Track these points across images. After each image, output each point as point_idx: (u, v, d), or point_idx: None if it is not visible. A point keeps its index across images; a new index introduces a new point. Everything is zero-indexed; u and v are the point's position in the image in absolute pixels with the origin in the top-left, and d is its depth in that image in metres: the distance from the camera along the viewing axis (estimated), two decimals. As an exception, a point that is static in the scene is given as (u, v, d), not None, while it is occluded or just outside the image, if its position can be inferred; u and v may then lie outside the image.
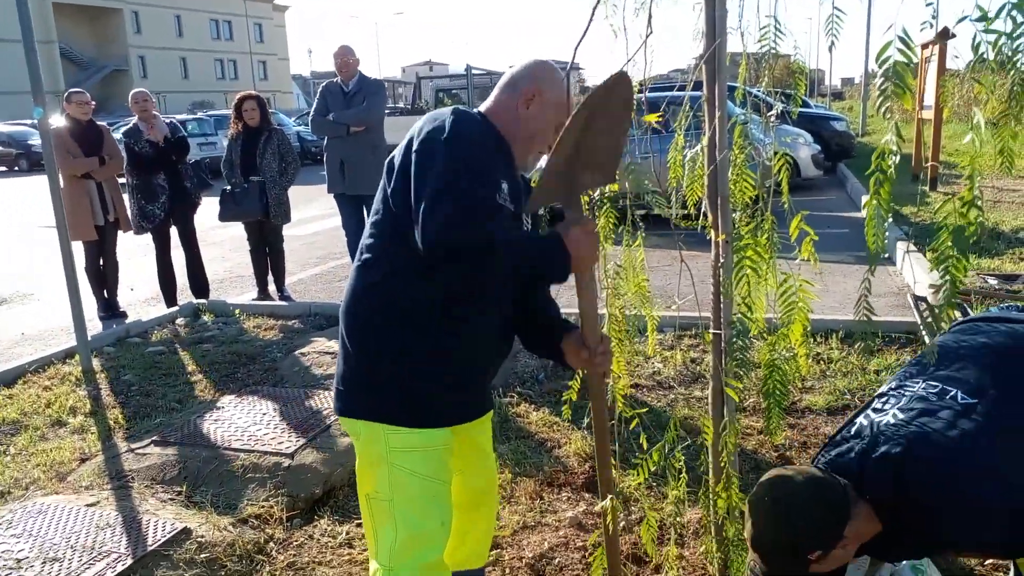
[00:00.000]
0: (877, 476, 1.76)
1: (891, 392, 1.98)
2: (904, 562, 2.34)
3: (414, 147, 1.81)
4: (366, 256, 1.97)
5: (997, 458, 1.75)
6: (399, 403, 1.94)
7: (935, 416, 1.80)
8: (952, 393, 1.86)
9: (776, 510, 1.76)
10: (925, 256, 5.96)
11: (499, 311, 2.02)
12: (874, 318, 1.75)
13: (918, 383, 1.93)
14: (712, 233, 2.03)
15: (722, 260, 2.00)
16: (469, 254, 1.69)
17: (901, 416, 1.85)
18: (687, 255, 2.12)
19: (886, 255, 7.52)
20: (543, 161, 1.89)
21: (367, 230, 2.00)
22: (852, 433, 1.92)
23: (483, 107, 1.99)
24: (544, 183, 1.79)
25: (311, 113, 6.75)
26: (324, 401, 4.26)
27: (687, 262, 2.07)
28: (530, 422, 4.17)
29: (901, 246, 7.03)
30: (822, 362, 4.76)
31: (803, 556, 1.75)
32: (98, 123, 6.72)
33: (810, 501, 1.75)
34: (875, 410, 1.94)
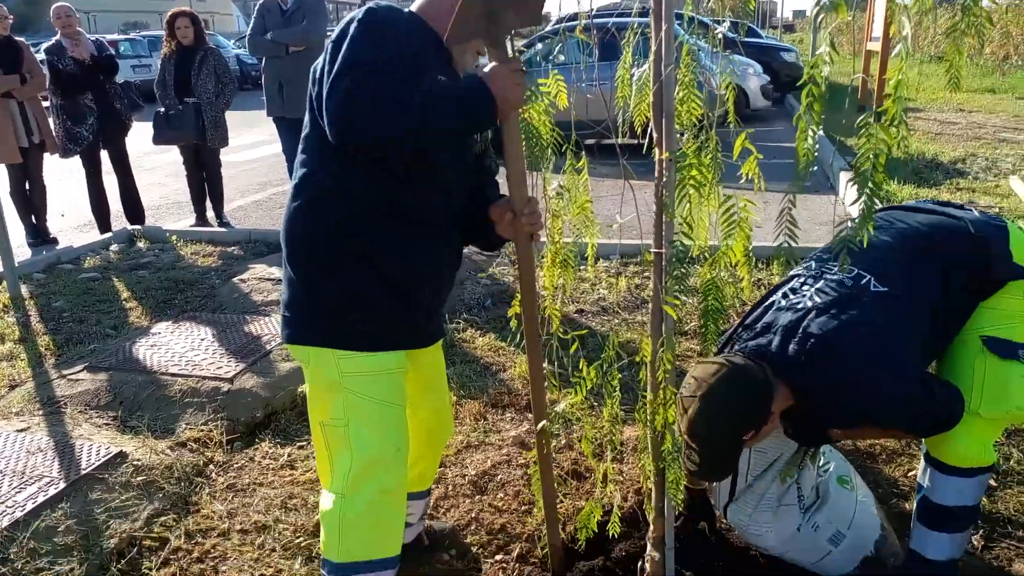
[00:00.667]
0: (794, 359, 1.88)
1: (808, 275, 2.08)
2: (831, 471, 2.43)
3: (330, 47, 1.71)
4: (301, 173, 1.88)
5: (901, 345, 1.89)
6: (348, 328, 1.87)
7: (849, 302, 1.91)
8: (866, 280, 1.95)
9: (709, 403, 1.85)
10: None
11: (444, 225, 1.95)
12: (812, 244, 1.78)
13: (835, 267, 2.02)
14: (656, 151, 2.00)
15: (665, 178, 1.97)
16: (377, 125, 1.58)
17: (818, 300, 1.96)
18: (635, 184, 2.09)
19: (830, 184, 7.63)
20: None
21: (300, 146, 1.91)
22: (769, 317, 2.03)
23: (413, 6, 1.90)
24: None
25: (248, 32, 6.44)
26: (264, 327, 4.19)
27: (635, 191, 2.04)
28: (476, 347, 4.17)
29: (844, 176, 7.13)
30: (763, 287, 4.84)
31: (738, 439, 1.88)
32: (16, 39, 6.30)
33: (739, 390, 1.86)
34: (792, 291, 2.03)
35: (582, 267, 5.16)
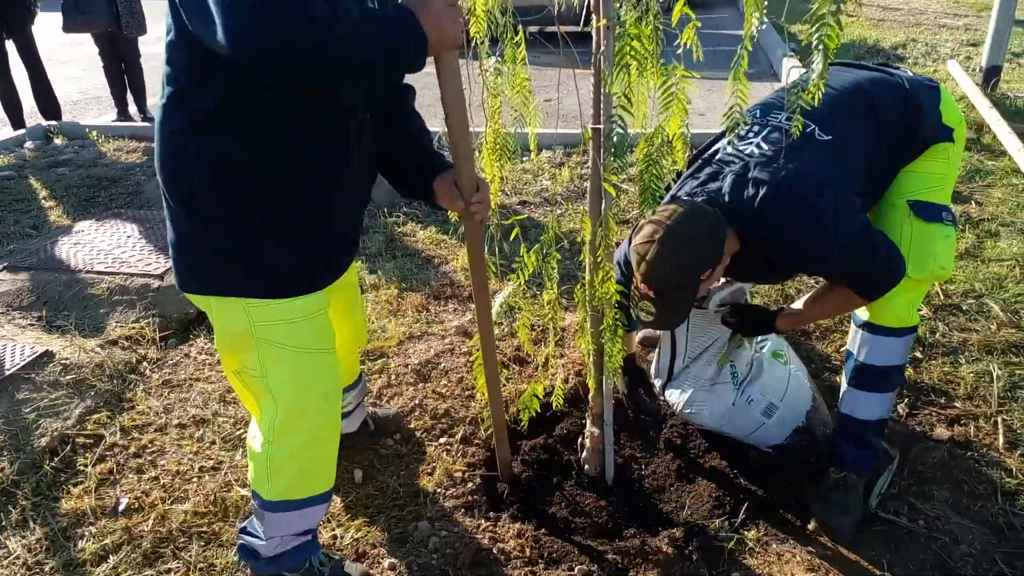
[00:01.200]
0: (745, 205, 1.89)
1: (754, 122, 2.06)
2: (766, 347, 2.48)
3: None
4: (171, 91, 1.54)
5: (847, 192, 1.93)
6: (253, 274, 1.65)
7: (796, 151, 1.91)
8: (811, 129, 1.95)
9: (668, 242, 1.83)
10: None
11: (354, 148, 1.69)
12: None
13: (780, 115, 2.02)
14: (594, 18, 1.91)
15: (603, 48, 1.89)
16: (291, 55, 1.31)
17: (765, 147, 1.95)
18: (578, 73, 1.99)
19: (773, 72, 7.57)
20: None
21: (164, 55, 1.54)
22: (715, 166, 2.01)
23: None
24: None
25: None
26: (196, 222, 4.03)
27: (577, 80, 1.94)
28: (417, 240, 4.10)
29: (788, 62, 7.07)
30: (704, 175, 4.84)
31: (696, 278, 1.88)
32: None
33: (696, 226, 1.85)
34: (740, 138, 2.02)
35: (525, 158, 5.07)
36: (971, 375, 2.75)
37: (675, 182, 2.14)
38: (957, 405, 2.63)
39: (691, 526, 2.12)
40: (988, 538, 2.12)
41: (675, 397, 2.50)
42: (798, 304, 2.30)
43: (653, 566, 2.02)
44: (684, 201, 1.94)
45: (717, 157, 2.05)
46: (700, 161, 2.12)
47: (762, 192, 1.88)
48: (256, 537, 1.91)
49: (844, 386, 2.24)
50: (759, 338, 2.47)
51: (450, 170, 1.79)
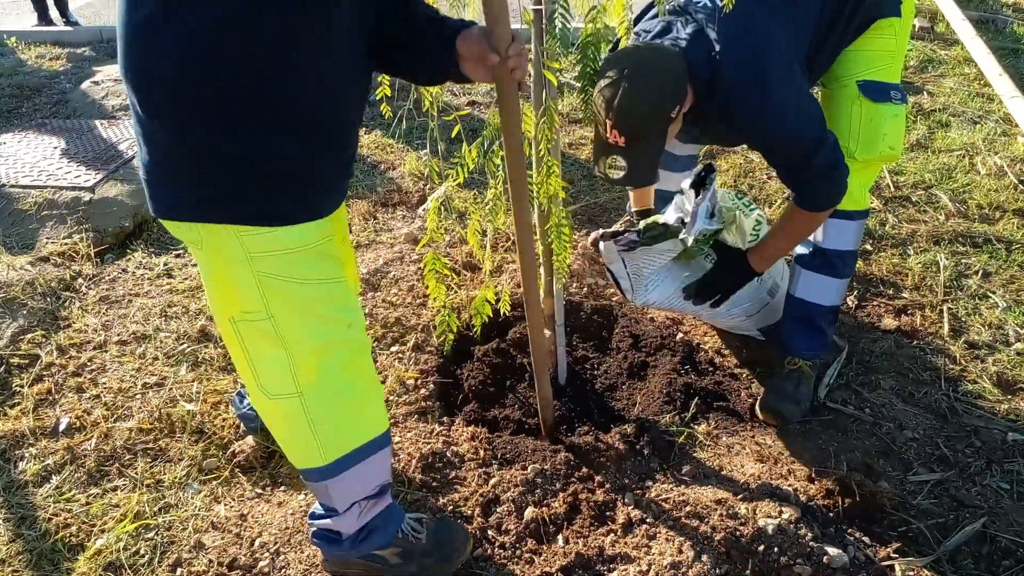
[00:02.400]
0: (697, 57, 1.84)
1: None
2: (762, 232, 2.44)
3: None
4: None
5: (788, 60, 1.87)
6: (248, 197, 1.36)
7: (753, 7, 1.83)
8: None
9: (635, 78, 1.76)
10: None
11: (351, 47, 1.41)
12: None
13: None
14: None
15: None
16: None
17: (719, 3, 1.84)
18: None
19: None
20: None
21: None
22: (664, 22, 1.93)
23: None
24: None
25: None
26: (125, 131, 3.81)
27: None
28: (361, 145, 3.95)
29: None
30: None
31: (667, 116, 1.83)
32: None
33: (662, 60, 1.81)
34: None
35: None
36: (919, 266, 2.78)
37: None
38: (905, 296, 2.66)
39: (642, 422, 2.13)
40: (931, 423, 2.17)
41: (665, 298, 2.41)
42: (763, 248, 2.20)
43: (606, 462, 2.04)
44: (646, 42, 1.87)
45: (668, 12, 1.96)
46: (651, 17, 2.02)
47: (715, 47, 1.82)
48: (329, 516, 1.69)
49: (797, 269, 2.23)
50: (756, 223, 2.37)
51: (472, 26, 1.49)
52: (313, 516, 1.76)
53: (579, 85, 1.91)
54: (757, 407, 2.22)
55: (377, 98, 2.00)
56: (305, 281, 1.45)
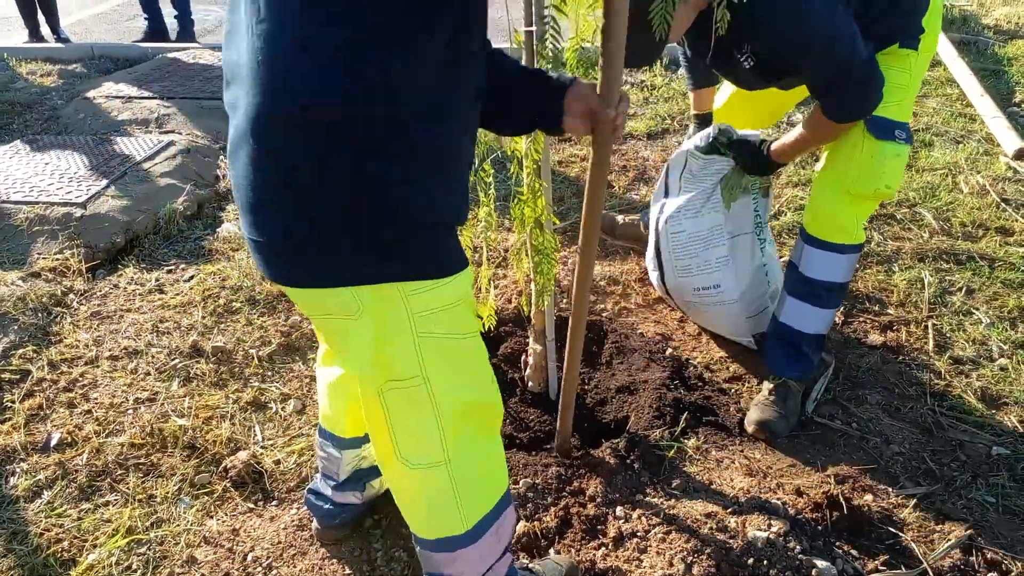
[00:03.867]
0: None
1: None
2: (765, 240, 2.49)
3: None
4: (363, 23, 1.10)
5: None
6: (425, 248, 1.26)
7: None
8: None
9: None
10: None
11: (475, 86, 1.30)
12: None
13: None
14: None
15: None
16: None
17: None
18: None
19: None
20: None
21: None
22: None
23: None
24: None
25: None
26: (117, 147, 3.83)
27: None
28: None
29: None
30: (645, 89, 4.78)
31: None
32: None
33: None
34: None
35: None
36: (904, 282, 2.82)
37: None
38: (890, 312, 2.70)
39: (632, 437, 2.15)
40: (917, 437, 2.20)
41: (689, 276, 2.50)
42: (786, 137, 2.24)
43: (596, 476, 2.05)
44: None
45: None
46: None
47: None
48: None
49: (783, 294, 2.27)
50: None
51: (576, 81, 1.44)
52: None
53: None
54: (746, 422, 2.24)
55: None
56: (463, 336, 1.38)
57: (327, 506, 1.89)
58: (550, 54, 1.73)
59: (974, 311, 2.67)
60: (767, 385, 2.29)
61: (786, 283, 2.26)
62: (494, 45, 1.42)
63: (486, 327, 2.34)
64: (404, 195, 1.18)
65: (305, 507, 1.98)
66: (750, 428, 2.22)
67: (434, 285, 1.28)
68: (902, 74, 2.03)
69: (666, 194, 2.56)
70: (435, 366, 1.34)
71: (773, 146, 2.26)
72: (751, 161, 2.35)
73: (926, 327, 2.61)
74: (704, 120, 2.71)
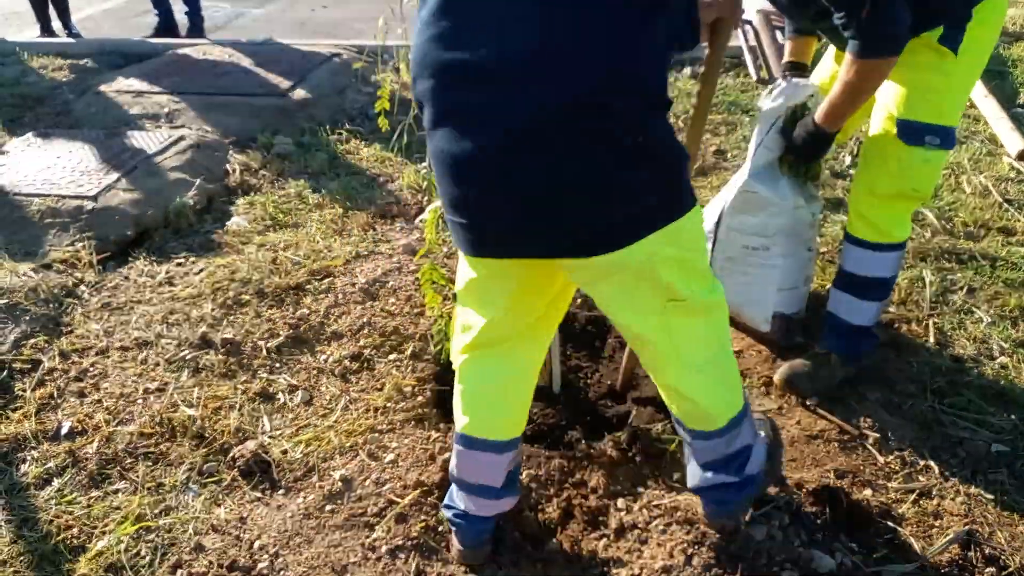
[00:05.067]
0: None
1: None
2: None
3: None
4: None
5: None
6: (688, 181, 1.56)
7: None
8: None
9: None
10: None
11: None
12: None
13: None
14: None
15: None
16: None
17: None
18: None
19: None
20: None
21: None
22: None
23: None
24: None
25: None
26: (128, 142, 3.87)
27: None
28: (361, 158, 4.01)
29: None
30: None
31: None
32: None
33: None
34: None
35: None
36: (905, 281, 2.84)
37: None
38: (891, 310, 2.71)
39: (634, 430, 2.18)
40: (917, 434, 2.22)
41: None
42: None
43: (599, 468, 2.08)
44: None
45: None
46: None
47: None
48: (756, 460, 1.78)
49: (831, 287, 2.36)
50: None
51: None
52: (722, 486, 1.76)
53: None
54: (775, 377, 2.35)
55: (376, 112, 2.05)
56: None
57: (479, 525, 1.82)
58: None
59: (975, 310, 2.69)
60: (814, 349, 2.39)
61: (837, 280, 2.34)
62: None
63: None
64: (678, 152, 1.46)
65: (308, 503, 2.01)
66: (776, 382, 2.33)
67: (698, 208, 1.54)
68: (937, 77, 1.97)
69: (757, 147, 2.45)
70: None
71: (816, 114, 2.13)
72: (804, 138, 2.20)
73: (927, 325, 2.63)
74: (797, 68, 2.49)
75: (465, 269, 1.64)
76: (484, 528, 1.82)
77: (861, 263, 2.24)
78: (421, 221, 3.10)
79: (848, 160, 3.74)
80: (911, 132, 2.01)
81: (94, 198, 3.28)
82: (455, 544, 1.85)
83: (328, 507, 2.02)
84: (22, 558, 1.91)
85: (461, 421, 1.76)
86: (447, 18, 1.34)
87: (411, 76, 1.46)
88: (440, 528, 1.95)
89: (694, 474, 1.81)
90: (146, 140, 3.87)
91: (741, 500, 1.80)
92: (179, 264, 3.07)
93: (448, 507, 1.85)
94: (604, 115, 1.33)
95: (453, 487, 1.84)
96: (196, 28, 6.26)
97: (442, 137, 1.40)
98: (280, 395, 2.41)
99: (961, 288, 2.80)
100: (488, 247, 1.50)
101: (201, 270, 3.00)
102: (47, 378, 2.46)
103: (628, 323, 1.62)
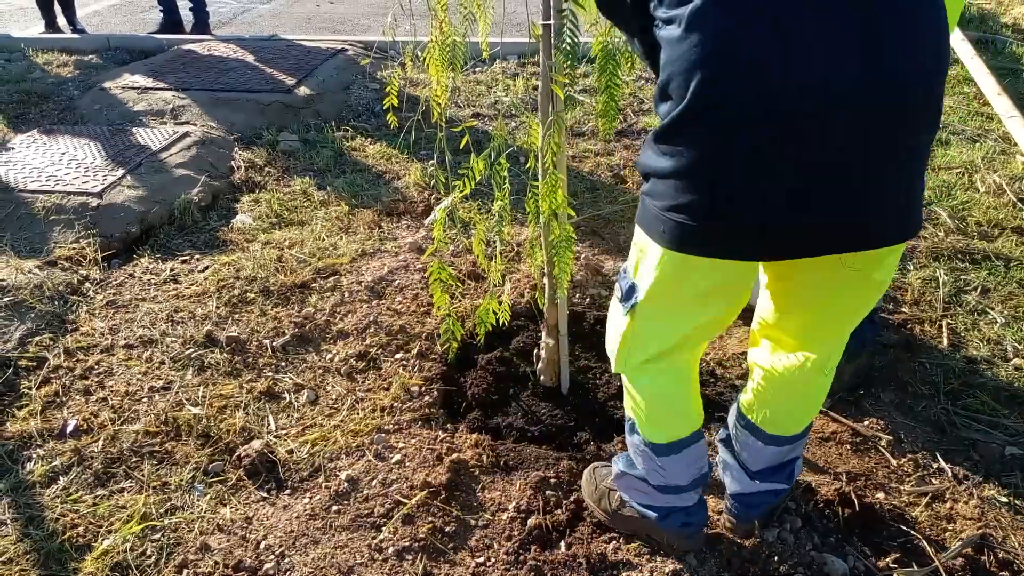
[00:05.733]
0: None
1: None
2: None
3: None
4: None
5: None
6: None
7: None
8: None
9: None
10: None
11: None
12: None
13: None
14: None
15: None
16: None
17: None
18: None
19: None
20: None
21: None
22: None
23: None
24: None
25: None
26: (133, 138, 3.85)
27: None
28: (367, 155, 3.99)
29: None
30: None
31: None
32: None
33: None
34: None
35: (478, 68, 4.92)
36: (918, 281, 2.81)
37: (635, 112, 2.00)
38: (904, 310, 2.69)
39: (645, 432, 2.15)
40: (930, 436, 2.19)
41: None
42: None
43: (608, 471, 2.06)
44: None
45: None
46: None
47: None
48: (799, 468, 1.86)
49: None
50: None
51: None
52: (769, 493, 1.80)
53: (597, 98, 1.94)
54: None
55: (384, 108, 2.03)
56: None
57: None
58: (568, 48, 1.73)
59: (989, 311, 2.66)
60: None
61: None
62: (509, 39, 1.45)
63: (501, 323, 2.35)
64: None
65: (323, 499, 1.99)
66: None
67: None
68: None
69: None
70: None
71: None
72: None
73: (940, 326, 2.60)
74: None
75: (682, 282, 1.49)
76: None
77: None
78: (431, 221, 3.08)
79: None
80: None
81: (99, 195, 3.27)
82: (681, 543, 1.84)
83: (334, 507, 2.00)
84: (28, 556, 1.90)
85: (665, 431, 1.72)
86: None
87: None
88: (448, 529, 1.93)
89: (740, 481, 1.82)
90: (151, 136, 3.86)
91: (777, 504, 1.82)
92: (184, 262, 3.05)
93: (684, 524, 1.82)
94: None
95: (658, 504, 1.81)
96: (201, 24, 6.24)
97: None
98: (286, 394, 2.39)
99: (975, 288, 2.77)
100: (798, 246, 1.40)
101: (206, 268, 2.98)
102: (52, 376, 2.44)
103: (833, 311, 1.57)
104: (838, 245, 1.37)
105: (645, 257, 1.50)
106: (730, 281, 1.50)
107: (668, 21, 1.29)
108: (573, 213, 2.01)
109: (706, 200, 1.33)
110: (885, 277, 1.49)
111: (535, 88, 4.69)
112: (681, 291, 1.50)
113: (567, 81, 1.83)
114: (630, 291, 1.57)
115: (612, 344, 1.70)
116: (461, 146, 2.07)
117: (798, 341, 1.64)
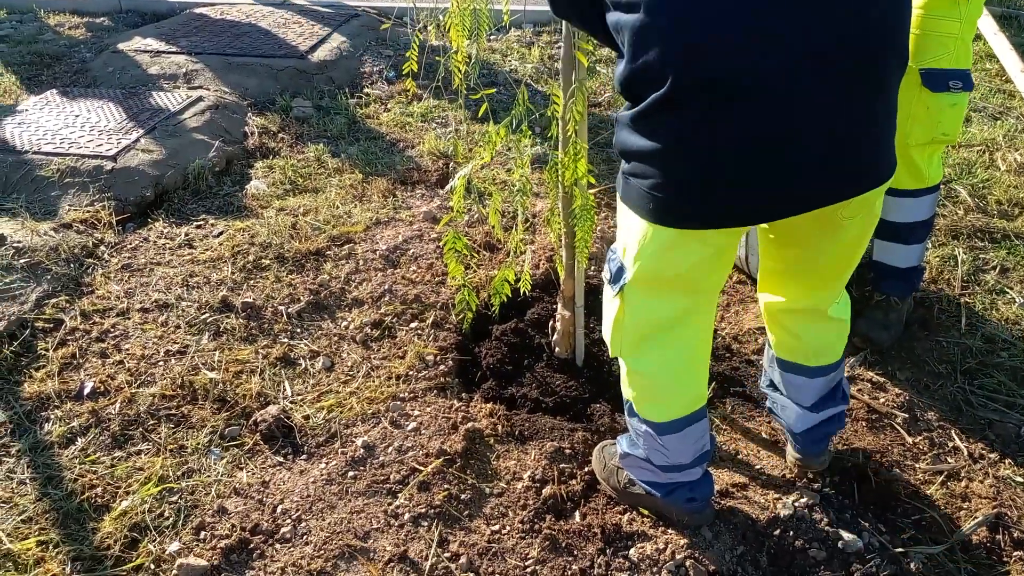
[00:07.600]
0: None
1: None
2: None
3: None
4: None
5: None
6: None
7: None
8: None
9: None
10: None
11: None
12: None
13: None
14: None
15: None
16: None
17: None
18: None
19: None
20: None
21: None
22: None
23: None
24: None
25: None
26: (146, 101, 3.83)
27: None
28: (380, 123, 3.95)
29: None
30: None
31: None
32: None
33: None
34: None
35: (493, 37, 4.86)
36: (937, 259, 2.78)
37: None
38: (922, 288, 2.66)
39: (660, 404, 2.15)
40: (946, 414, 2.19)
41: None
42: None
43: (623, 443, 2.06)
44: None
45: None
46: None
47: None
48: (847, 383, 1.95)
49: (872, 239, 2.31)
50: None
51: None
52: (834, 418, 1.91)
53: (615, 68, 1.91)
54: (852, 332, 2.30)
55: (403, 74, 2.00)
56: None
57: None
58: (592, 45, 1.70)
59: (1008, 290, 2.64)
60: (872, 299, 2.46)
61: (877, 230, 2.31)
62: (532, 7, 1.44)
63: (522, 292, 2.35)
64: None
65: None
66: (855, 340, 2.33)
67: None
68: (952, 23, 2.06)
69: None
70: None
71: None
72: None
73: (958, 305, 2.58)
74: None
75: (673, 257, 1.48)
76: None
77: (903, 211, 2.30)
78: (450, 191, 3.05)
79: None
80: (936, 79, 2.09)
81: (113, 158, 3.25)
82: (690, 518, 1.83)
83: (351, 473, 2.01)
84: (47, 515, 1.91)
85: (667, 410, 1.69)
86: None
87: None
88: (463, 497, 1.94)
89: (802, 418, 1.89)
90: (165, 100, 3.83)
91: (842, 426, 1.94)
92: (199, 226, 3.04)
93: (689, 500, 1.80)
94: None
95: (662, 481, 1.80)
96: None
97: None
98: (301, 360, 2.40)
99: (994, 268, 2.74)
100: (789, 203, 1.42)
101: (220, 233, 2.97)
102: (69, 338, 2.45)
103: (833, 259, 1.61)
104: (832, 196, 1.40)
105: (632, 236, 1.50)
106: (721, 248, 1.50)
107: (629, 8, 1.28)
108: (595, 181, 1.99)
109: (697, 175, 1.34)
110: (875, 219, 1.55)
111: (551, 57, 4.63)
112: (671, 265, 1.49)
113: (591, 48, 1.80)
114: (619, 272, 1.57)
115: (607, 328, 1.69)
116: (479, 114, 2.04)
117: (806, 291, 1.71)
